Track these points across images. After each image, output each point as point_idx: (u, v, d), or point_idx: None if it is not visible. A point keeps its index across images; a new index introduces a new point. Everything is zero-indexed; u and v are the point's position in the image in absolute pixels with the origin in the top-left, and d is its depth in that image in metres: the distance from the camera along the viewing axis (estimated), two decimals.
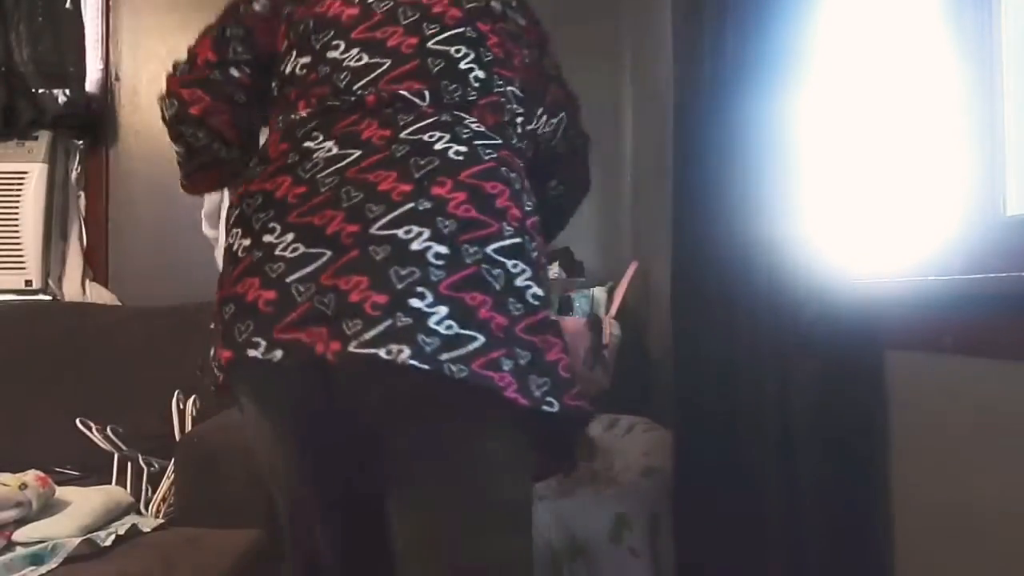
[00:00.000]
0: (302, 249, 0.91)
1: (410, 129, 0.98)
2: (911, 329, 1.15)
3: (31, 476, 1.64)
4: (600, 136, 2.46)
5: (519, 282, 0.94)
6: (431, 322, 0.86)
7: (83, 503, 1.65)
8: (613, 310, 1.96)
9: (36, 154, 2.28)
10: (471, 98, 1.03)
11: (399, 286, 0.87)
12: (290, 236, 0.93)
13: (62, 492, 1.69)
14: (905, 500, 1.19)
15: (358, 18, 1.06)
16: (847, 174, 1.31)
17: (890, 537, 1.21)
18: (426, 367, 0.85)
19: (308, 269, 0.90)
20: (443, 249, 0.90)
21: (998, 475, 1.01)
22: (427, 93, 1.02)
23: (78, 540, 1.50)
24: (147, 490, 1.81)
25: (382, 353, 0.85)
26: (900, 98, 1.32)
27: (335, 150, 0.97)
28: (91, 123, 2.37)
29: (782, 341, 1.29)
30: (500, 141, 1.03)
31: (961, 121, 1.18)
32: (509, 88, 1.09)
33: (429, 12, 1.06)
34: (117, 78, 2.43)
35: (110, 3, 2.43)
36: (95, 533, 1.56)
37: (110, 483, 1.82)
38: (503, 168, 1.00)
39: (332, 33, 1.06)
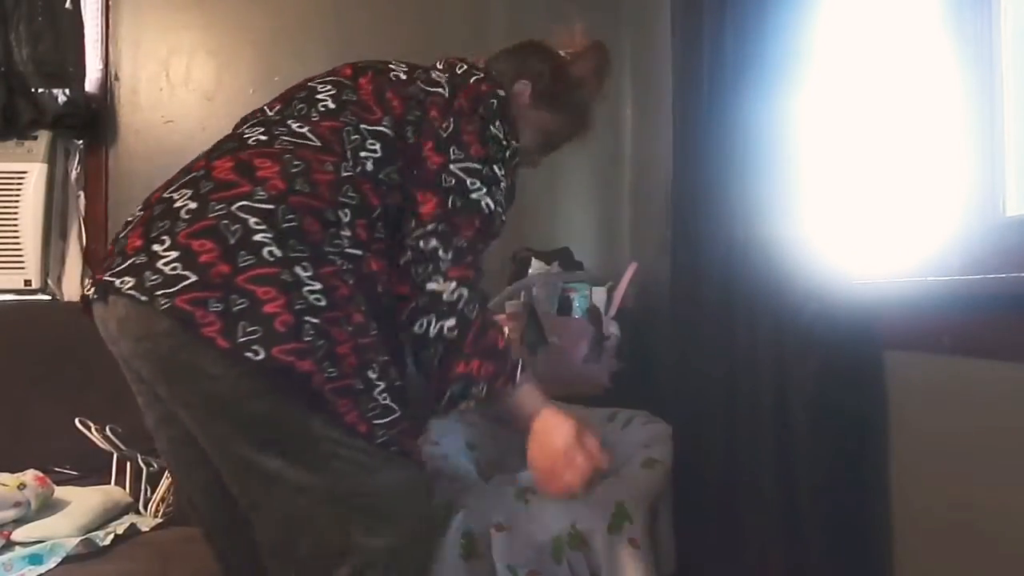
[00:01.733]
0: (136, 212, 1.15)
1: (245, 127, 1.23)
2: (910, 329, 1.15)
3: (30, 476, 1.64)
4: (599, 136, 2.48)
5: (257, 238, 1.01)
6: (160, 263, 1.01)
7: (82, 503, 1.65)
8: (612, 310, 1.96)
9: (36, 154, 2.28)
10: (312, 117, 1.20)
11: (152, 234, 1.04)
12: (140, 205, 1.16)
13: (61, 492, 1.69)
14: (903, 500, 1.19)
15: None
16: (846, 174, 1.32)
17: (888, 536, 1.21)
18: (143, 298, 0.99)
19: (127, 227, 1.13)
20: (194, 205, 1.05)
21: (997, 475, 1.01)
22: (278, 107, 1.26)
23: (77, 540, 1.50)
24: (146, 490, 1.80)
25: (116, 282, 1.03)
26: (900, 98, 1.32)
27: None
28: (91, 123, 2.36)
29: (781, 341, 1.29)
30: (318, 143, 1.16)
31: (960, 121, 1.18)
32: (362, 125, 1.20)
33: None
34: (117, 78, 2.43)
35: (110, 3, 2.42)
36: (94, 533, 1.56)
37: (109, 483, 1.82)
38: (288, 155, 1.11)
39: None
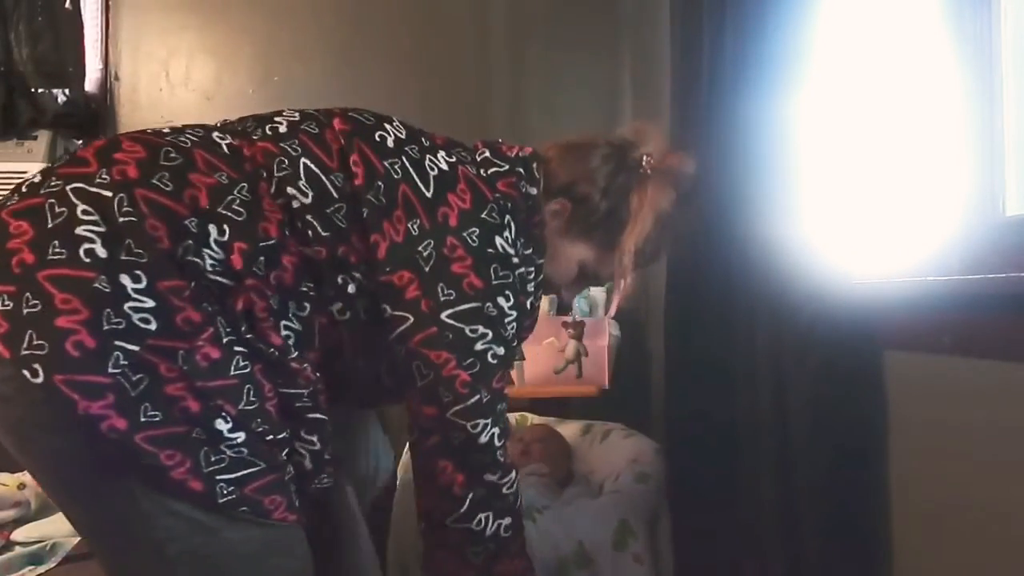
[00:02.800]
0: None
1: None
2: (910, 329, 1.15)
3: (30, 476, 1.64)
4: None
5: (80, 231, 0.82)
6: None
7: None
8: (612, 310, 1.96)
9: (35, 154, 2.27)
10: (254, 136, 1.02)
11: None
12: None
13: None
14: (903, 500, 1.19)
15: None
16: (846, 174, 1.31)
17: (888, 536, 1.21)
18: None
19: None
20: (37, 179, 0.89)
21: (996, 475, 1.01)
22: (248, 119, 1.08)
23: (76, 539, 1.50)
24: None
25: None
26: (900, 98, 1.32)
27: None
28: (90, 123, 2.36)
29: (781, 340, 1.29)
30: (231, 160, 0.97)
31: (960, 121, 1.18)
32: (304, 159, 0.98)
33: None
34: (117, 78, 2.43)
35: (110, 3, 2.42)
36: None
37: None
38: (177, 153, 0.93)
39: None
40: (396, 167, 1.01)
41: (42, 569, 1.42)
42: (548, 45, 2.48)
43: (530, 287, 1.08)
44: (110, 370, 0.80)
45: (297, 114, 1.04)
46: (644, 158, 1.16)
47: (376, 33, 2.41)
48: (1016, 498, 0.97)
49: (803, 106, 1.28)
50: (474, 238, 1.00)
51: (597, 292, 2.05)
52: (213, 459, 0.85)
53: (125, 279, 0.82)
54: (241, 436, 0.87)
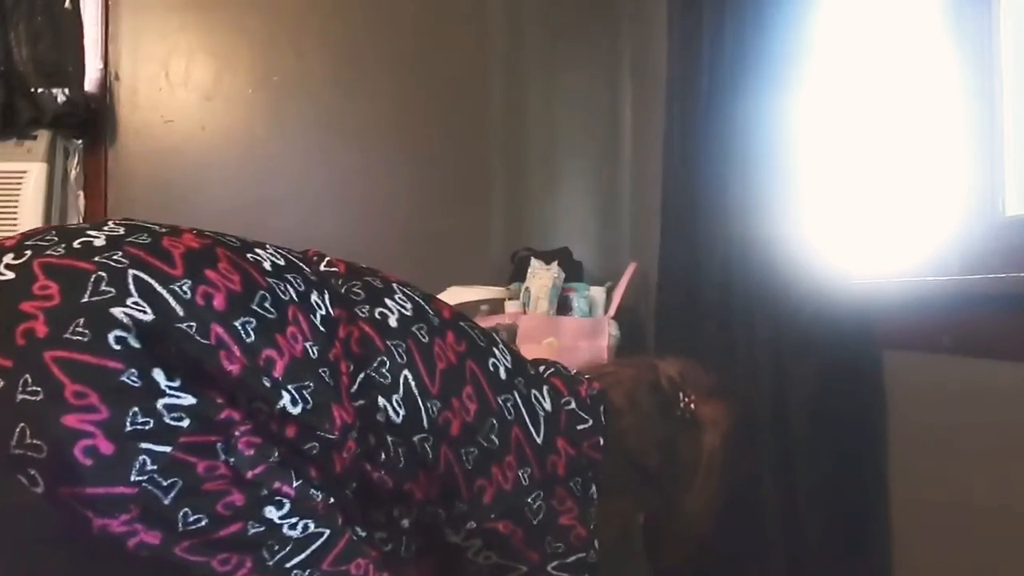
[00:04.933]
0: None
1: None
2: (909, 329, 1.15)
3: None
4: (599, 136, 2.48)
5: (117, 312, 0.68)
6: None
7: None
8: (612, 310, 1.96)
9: (35, 153, 2.27)
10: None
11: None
12: None
13: None
14: (903, 499, 1.19)
15: None
16: (846, 174, 1.31)
17: (888, 535, 1.21)
18: None
19: None
20: (98, 240, 0.75)
21: (996, 474, 1.01)
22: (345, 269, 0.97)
23: None
24: None
25: None
26: (899, 98, 1.32)
27: None
28: (90, 123, 2.36)
29: (780, 340, 1.29)
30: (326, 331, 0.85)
31: (960, 122, 1.18)
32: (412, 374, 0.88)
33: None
34: (116, 77, 2.42)
35: (109, 3, 2.42)
36: None
37: None
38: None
39: None
40: (509, 405, 0.93)
41: None
42: (547, 45, 2.48)
43: None
44: (134, 478, 0.66)
45: (410, 305, 0.92)
46: (685, 403, 1.10)
47: (376, 33, 2.41)
48: (1016, 497, 0.97)
49: (802, 106, 1.28)
50: (578, 487, 0.96)
51: (597, 292, 2.05)
52: (276, 548, 0.74)
53: (158, 373, 0.69)
54: (299, 517, 0.76)
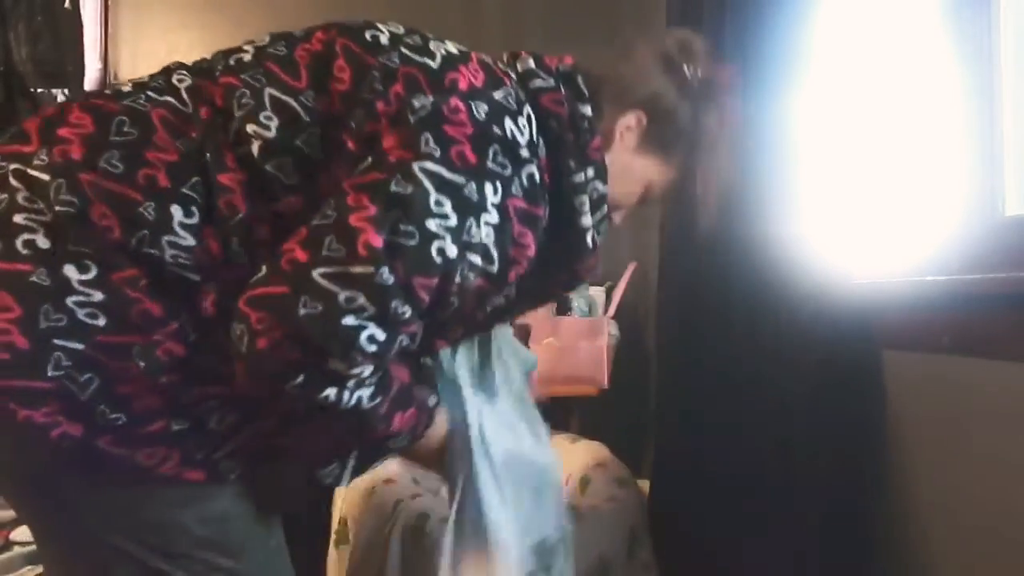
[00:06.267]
0: None
1: None
2: (909, 329, 1.15)
3: None
4: None
5: (19, 219, 0.73)
6: None
7: None
8: (612, 310, 1.96)
9: None
10: (216, 70, 0.85)
11: None
12: None
13: None
14: (903, 498, 1.19)
15: None
16: (846, 174, 1.31)
17: (887, 534, 1.21)
18: None
19: None
20: None
21: (996, 474, 1.01)
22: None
23: None
24: None
25: None
26: (899, 98, 1.32)
27: None
28: None
29: (780, 340, 1.29)
30: (188, 109, 0.81)
31: (960, 122, 1.18)
32: (270, 89, 0.82)
33: None
34: (116, 78, 2.43)
35: (109, 3, 2.42)
36: None
37: None
38: (126, 117, 0.78)
39: None
40: (394, 57, 0.81)
41: (41, 568, 1.42)
42: (547, 46, 2.47)
43: (583, 207, 0.86)
44: (50, 373, 0.70)
45: (268, 36, 0.87)
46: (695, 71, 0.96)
47: None
48: (1015, 497, 0.97)
49: (802, 105, 1.28)
50: (481, 112, 0.78)
51: (597, 292, 2.05)
52: (203, 442, 0.77)
53: (70, 270, 0.72)
54: (223, 413, 0.78)
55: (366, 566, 1.38)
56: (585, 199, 0.86)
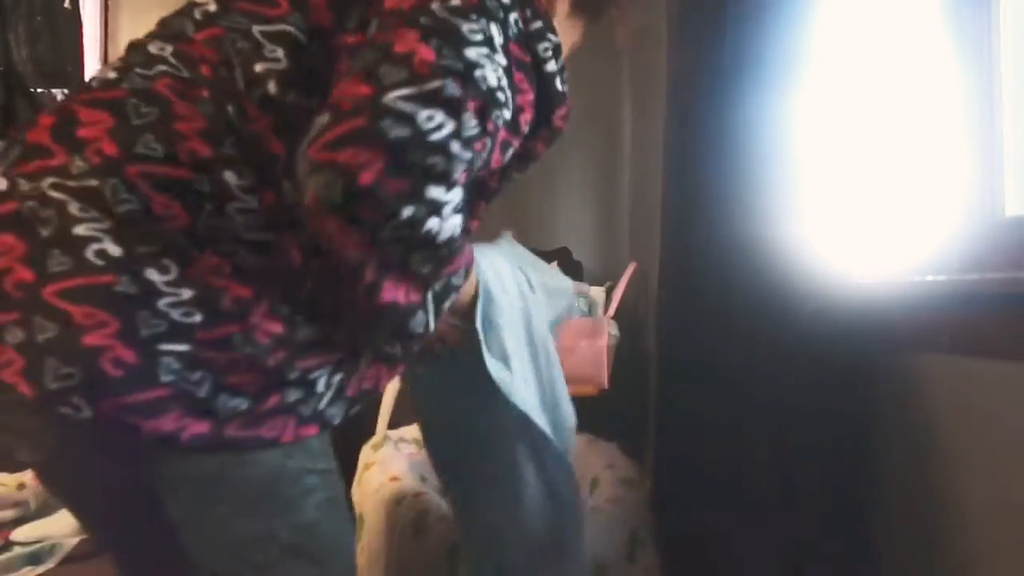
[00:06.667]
0: None
1: None
2: (909, 329, 1.15)
3: (29, 476, 1.64)
4: (599, 136, 2.48)
5: (80, 230, 0.69)
6: None
7: None
8: (612, 310, 1.96)
9: None
10: (187, 33, 0.83)
11: None
12: None
13: None
14: (902, 499, 1.19)
15: None
16: (845, 174, 1.32)
17: (887, 535, 1.21)
18: None
19: None
20: (2, 185, 0.74)
21: (995, 474, 1.01)
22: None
23: (76, 540, 1.50)
24: None
25: None
26: (899, 98, 1.32)
27: None
28: None
29: (780, 340, 1.29)
30: (187, 73, 0.79)
31: (960, 121, 1.18)
32: (256, 26, 0.81)
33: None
34: None
35: (109, 3, 2.42)
36: None
37: None
38: (134, 99, 0.76)
39: None
40: None
41: (41, 569, 1.42)
42: None
43: (547, 53, 0.86)
44: (164, 379, 0.69)
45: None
46: None
47: None
48: (1015, 497, 0.97)
49: (802, 105, 1.28)
50: None
51: (597, 292, 2.05)
52: (315, 401, 0.80)
53: (151, 273, 0.70)
54: (327, 374, 0.80)
55: (376, 564, 1.39)
56: (548, 45, 0.85)
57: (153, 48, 0.79)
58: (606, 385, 1.92)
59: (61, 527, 1.54)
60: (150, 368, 0.69)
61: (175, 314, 0.70)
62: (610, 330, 1.95)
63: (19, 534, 1.52)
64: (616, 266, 2.24)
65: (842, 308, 1.21)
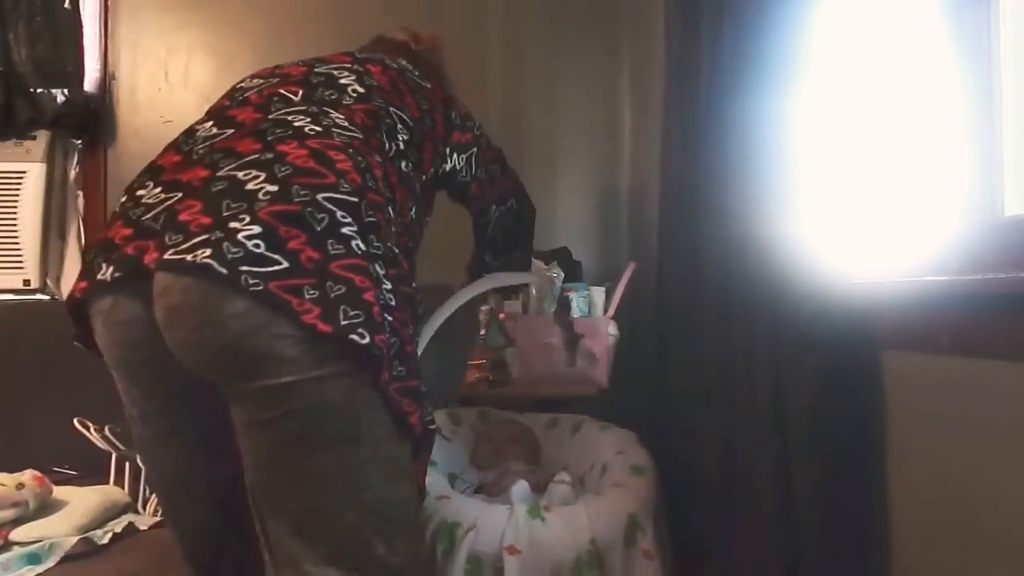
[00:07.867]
0: (162, 196, 1.01)
1: (279, 112, 1.09)
2: (908, 329, 1.15)
3: (28, 476, 1.63)
4: (598, 136, 2.48)
5: (344, 230, 0.96)
6: (241, 236, 0.90)
7: (80, 503, 1.65)
8: (611, 310, 1.96)
9: (34, 154, 2.28)
10: (344, 102, 1.14)
11: (225, 213, 0.93)
12: (157, 189, 1.03)
13: (59, 492, 1.69)
14: (902, 499, 1.19)
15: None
16: (845, 174, 1.31)
17: (887, 535, 1.21)
18: (223, 270, 0.88)
19: (160, 208, 0.99)
20: (274, 188, 0.95)
21: (994, 474, 1.01)
22: (301, 92, 1.14)
23: (75, 539, 1.50)
24: (144, 489, 1.80)
25: (188, 257, 0.90)
26: (898, 98, 1.32)
27: (213, 129, 1.08)
28: (89, 123, 2.36)
29: (779, 340, 1.29)
30: (361, 136, 1.10)
31: (960, 121, 1.18)
32: (392, 108, 1.19)
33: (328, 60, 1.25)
34: (115, 78, 2.42)
35: (108, 3, 2.42)
36: (92, 532, 1.56)
37: (107, 483, 1.81)
38: (351, 149, 1.05)
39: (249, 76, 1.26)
40: (413, 80, 1.32)
41: (40, 569, 1.42)
42: (547, 45, 2.48)
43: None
44: (385, 333, 0.96)
45: (346, 71, 1.20)
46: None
47: (376, 34, 2.41)
48: (1016, 497, 0.97)
49: (801, 106, 1.28)
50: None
51: (597, 292, 2.05)
52: (427, 411, 1.05)
53: (377, 267, 0.98)
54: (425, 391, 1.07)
55: None
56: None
57: (337, 116, 1.13)
58: (606, 385, 1.92)
59: (61, 527, 1.54)
60: (384, 323, 0.96)
61: (387, 295, 0.99)
62: (610, 330, 1.95)
63: (18, 534, 1.52)
64: (616, 266, 2.24)
65: (842, 308, 1.21)
